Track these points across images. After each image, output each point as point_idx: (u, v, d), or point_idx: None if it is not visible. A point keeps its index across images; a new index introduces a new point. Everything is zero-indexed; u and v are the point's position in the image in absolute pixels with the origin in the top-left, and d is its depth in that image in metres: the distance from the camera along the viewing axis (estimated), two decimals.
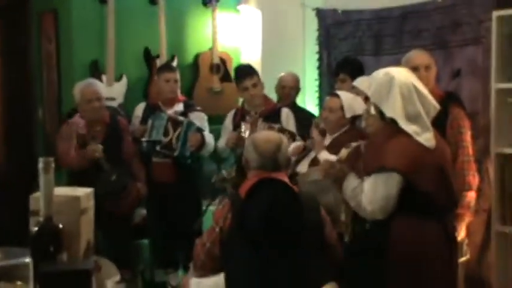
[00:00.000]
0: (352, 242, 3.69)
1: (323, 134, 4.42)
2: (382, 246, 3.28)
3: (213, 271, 3.23)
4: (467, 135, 4.06)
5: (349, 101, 4.35)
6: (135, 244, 5.51)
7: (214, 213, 3.35)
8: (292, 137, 4.71)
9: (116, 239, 4.84)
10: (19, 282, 2.18)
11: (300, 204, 3.17)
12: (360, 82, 4.60)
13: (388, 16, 5.34)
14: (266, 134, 3.51)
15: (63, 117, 5.43)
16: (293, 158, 4.52)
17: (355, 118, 4.41)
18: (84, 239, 2.31)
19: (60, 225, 2.05)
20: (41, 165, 2.04)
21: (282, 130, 4.70)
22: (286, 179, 3.28)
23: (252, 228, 3.09)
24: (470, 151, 4.05)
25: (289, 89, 5.47)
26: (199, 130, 5.12)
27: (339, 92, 4.48)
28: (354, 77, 4.78)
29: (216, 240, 3.19)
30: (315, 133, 4.32)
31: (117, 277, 2.36)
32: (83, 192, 2.37)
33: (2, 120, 7.21)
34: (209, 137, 5.22)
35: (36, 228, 2.04)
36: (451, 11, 4.83)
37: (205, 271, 3.26)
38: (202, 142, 5.10)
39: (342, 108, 4.35)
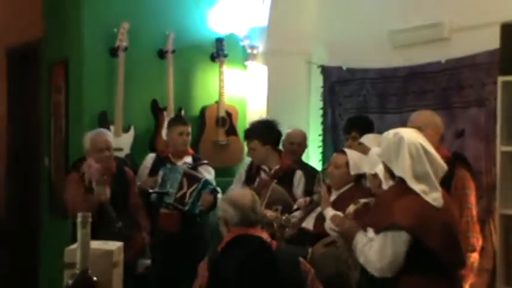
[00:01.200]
0: None
1: (328, 190, 4.50)
2: None
3: None
4: (472, 197, 4.10)
5: (355, 159, 4.44)
6: None
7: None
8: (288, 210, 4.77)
9: None
10: None
11: (275, 259, 3.21)
12: (367, 139, 4.74)
13: (393, 75, 5.43)
14: (238, 191, 3.62)
15: (70, 167, 5.49)
16: (299, 213, 4.60)
17: (361, 176, 4.50)
18: None
19: (95, 278, 2.12)
20: (79, 219, 2.11)
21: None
22: (263, 235, 3.33)
23: (226, 284, 3.16)
24: (474, 212, 4.09)
25: (297, 145, 5.56)
26: (214, 191, 5.20)
27: (346, 150, 4.58)
28: (364, 134, 4.90)
29: None
30: (322, 189, 4.39)
31: None
32: (115, 245, 2.44)
33: (8, 168, 7.29)
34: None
35: (71, 281, 2.11)
36: (455, 73, 4.92)
37: None
38: (214, 204, 5.17)
39: (347, 164, 4.45)
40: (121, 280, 2.48)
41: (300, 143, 5.59)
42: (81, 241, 2.09)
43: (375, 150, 4.09)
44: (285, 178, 4.99)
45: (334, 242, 3.98)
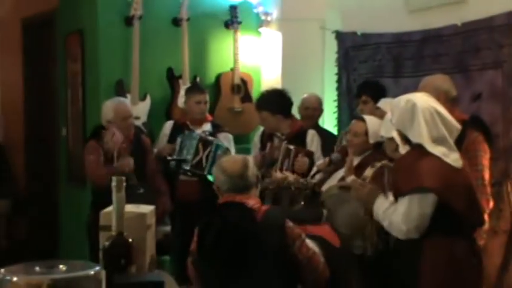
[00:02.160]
0: (379, 260, 3.82)
1: (344, 153, 4.54)
2: (414, 264, 3.40)
3: None
4: (484, 159, 4.08)
5: (375, 127, 4.39)
6: (157, 260, 5.58)
7: None
8: (308, 156, 4.83)
9: None
10: None
11: (254, 226, 3.23)
12: (384, 103, 4.75)
13: (408, 40, 5.42)
14: (231, 157, 3.66)
15: (88, 136, 5.53)
16: (320, 175, 4.65)
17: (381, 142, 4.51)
18: (149, 253, 2.43)
19: (130, 240, 2.17)
20: (113, 183, 2.16)
21: (298, 150, 4.83)
22: (250, 201, 3.33)
23: (207, 250, 3.25)
24: (486, 175, 4.07)
25: (313, 110, 5.59)
26: (228, 151, 5.23)
27: (365, 117, 4.57)
28: (375, 99, 4.91)
29: (190, 262, 3.40)
30: (349, 158, 4.41)
31: None
32: (148, 209, 2.49)
33: (26, 138, 7.36)
34: None
35: (107, 243, 2.16)
36: (471, 36, 4.91)
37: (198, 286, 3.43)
38: None
39: (366, 133, 4.44)
40: (154, 242, 2.54)
41: (315, 107, 5.62)
42: (116, 204, 2.14)
43: (390, 114, 4.11)
44: (297, 140, 5.01)
45: (348, 188, 4.00)
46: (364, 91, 5.17)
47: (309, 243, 3.43)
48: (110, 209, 2.22)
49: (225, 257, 3.22)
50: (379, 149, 4.46)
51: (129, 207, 2.34)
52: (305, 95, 5.66)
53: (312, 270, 3.35)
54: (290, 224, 3.34)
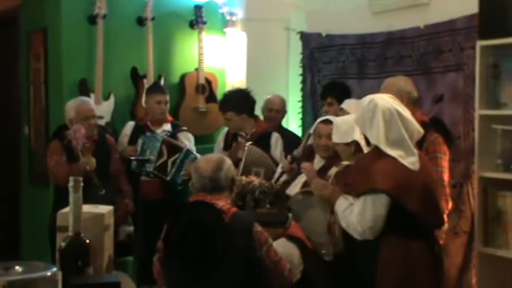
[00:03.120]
0: (340, 260, 3.85)
1: (307, 151, 4.55)
2: (372, 264, 3.43)
3: None
4: (443, 161, 4.14)
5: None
6: (120, 261, 5.55)
7: None
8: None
9: None
10: None
11: (222, 226, 3.24)
12: (348, 105, 4.78)
13: (372, 41, 5.46)
14: (207, 156, 3.64)
15: (51, 134, 5.49)
16: (285, 177, 4.64)
17: None
18: (107, 254, 2.41)
19: (87, 241, 2.16)
20: (70, 183, 2.14)
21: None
22: (220, 202, 3.34)
23: (173, 247, 3.26)
24: (445, 177, 4.14)
25: (276, 111, 5.59)
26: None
27: (331, 118, 4.57)
28: (340, 100, 4.94)
29: (157, 258, 3.42)
30: (307, 165, 4.39)
31: None
32: (106, 209, 2.48)
33: None
34: None
35: (64, 244, 2.14)
36: (433, 38, 4.95)
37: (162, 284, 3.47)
38: None
39: None
40: (112, 243, 2.53)
41: (278, 109, 5.63)
42: (73, 205, 2.12)
43: (338, 120, 4.15)
44: (261, 141, 5.03)
45: (311, 193, 4.00)
46: (329, 93, 5.20)
47: (277, 247, 3.45)
48: (67, 209, 2.20)
49: (191, 255, 3.23)
50: None
51: (87, 208, 2.33)
52: (269, 96, 5.67)
53: (278, 275, 3.38)
54: (259, 228, 3.36)
